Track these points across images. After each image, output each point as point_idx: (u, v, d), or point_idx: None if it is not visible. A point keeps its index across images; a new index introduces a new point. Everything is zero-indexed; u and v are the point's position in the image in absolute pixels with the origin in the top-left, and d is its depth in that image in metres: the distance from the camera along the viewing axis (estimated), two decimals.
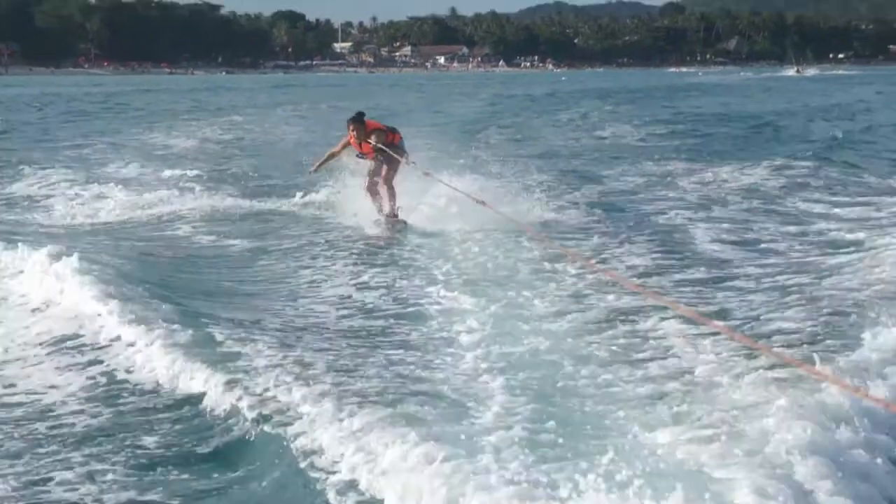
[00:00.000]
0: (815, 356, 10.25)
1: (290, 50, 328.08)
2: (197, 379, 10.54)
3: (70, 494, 8.29)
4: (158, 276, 16.15)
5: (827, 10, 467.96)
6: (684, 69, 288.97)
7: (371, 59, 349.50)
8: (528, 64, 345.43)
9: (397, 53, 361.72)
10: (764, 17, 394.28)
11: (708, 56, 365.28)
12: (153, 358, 11.26)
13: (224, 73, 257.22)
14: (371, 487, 7.97)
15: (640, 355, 11.28)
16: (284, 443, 8.96)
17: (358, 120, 20.38)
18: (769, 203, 23.16)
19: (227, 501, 8.30)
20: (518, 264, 16.31)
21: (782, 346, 11.42)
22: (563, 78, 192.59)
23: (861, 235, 18.50)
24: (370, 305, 14.38)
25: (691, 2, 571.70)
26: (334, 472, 8.26)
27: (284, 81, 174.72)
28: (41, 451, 9.16)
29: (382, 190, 20.67)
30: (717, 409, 9.31)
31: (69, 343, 12.60)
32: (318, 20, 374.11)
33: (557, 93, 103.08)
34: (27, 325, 13.58)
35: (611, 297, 13.97)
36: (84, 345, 12.43)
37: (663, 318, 12.62)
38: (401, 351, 11.82)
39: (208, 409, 9.96)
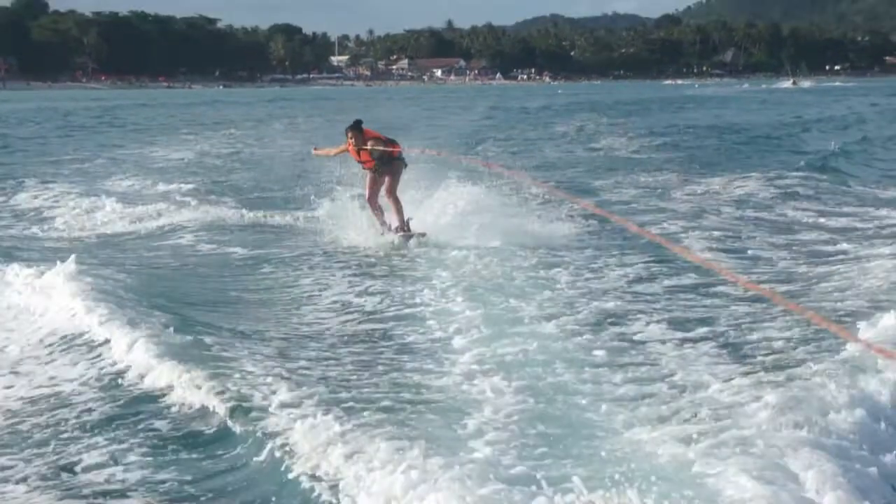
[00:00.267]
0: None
1: (286, 63, 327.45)
2: (192, 385, 10.71)
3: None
4: (157, 285, 16.47)
5: (822, 22, 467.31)
6: (680, 81, 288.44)
7: (368, 73, 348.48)
8: (525, 76, 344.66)
9: (394, 66, 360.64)
10: (760, 28, 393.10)
11: (704, 68, 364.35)
12: (151, 365, 11.42)
13: (221, 87, 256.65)
14: (359, 490, 8.12)
15: (631, 358, 11.62)
16: (268, 442, 9.21)
17: (356, 128, 20.08)
18: (761, 213, 23.42)
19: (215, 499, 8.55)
20: (514, 272, 16.62)
21: (769, 353, 11.75)
22: (560, 91, 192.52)
23: (847, 246, 18.81)
24: (367, 313, 14.74)
25: (687, 14, 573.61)
26: (322, 475, 8.47)
27: (281, 95, 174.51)
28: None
29: (389, 203, 20.21)
30: (707, 407, 9.65)
31: (66, 347, 12.91)
32: (314, 33, 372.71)
33: (553, 106, 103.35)
34: (33, 331, 13.86)
35: (602, 302, 14.35)
36: (82, 351, 12.69)
37: (650, 322, 13.05)
38: (395, 356, 12.18)
39: (201, 415, 10.18)
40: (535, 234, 20.15)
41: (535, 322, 13.23)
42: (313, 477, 8.48)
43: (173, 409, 10.39)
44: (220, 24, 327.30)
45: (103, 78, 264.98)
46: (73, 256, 15.97)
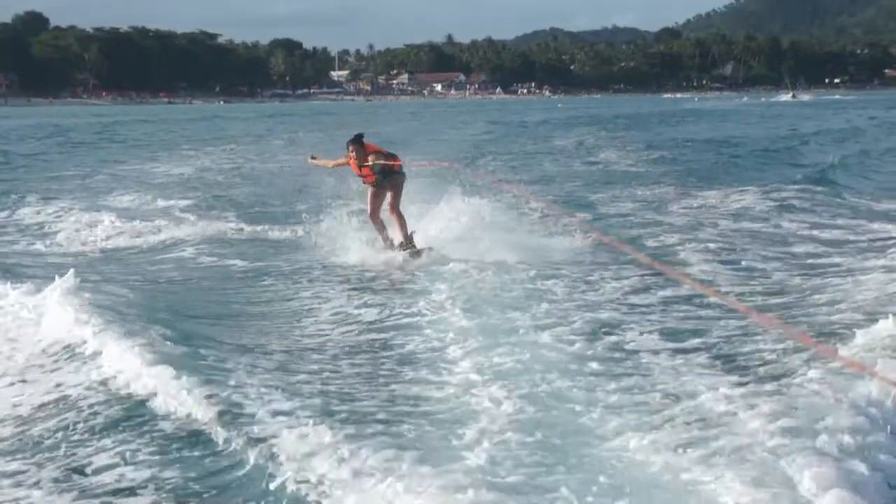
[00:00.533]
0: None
1: (287, 78, 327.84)
2: (187, 393, 10.77)
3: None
4: (156, 298, 16.63)
5: (822, 35, 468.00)
6: (680, 95, 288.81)
7: (368, 87, 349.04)
8: (525, 90, 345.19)
9: (394, 81, 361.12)
10: (759, 42, 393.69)
11: (704, 81, 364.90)
12: (147, 376, 11.47)
13: (222, 102, 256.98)
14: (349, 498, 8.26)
15: (625, 368, 11.78)
16: (258, 448, 9.32)
17: (357, 141, 19.89)
18: (757, 226, 23.52)
19: None
20: (512, 284, 16.79)
21: (762, 363, 11.93)
22: (560, 105, 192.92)
23: (841, 259, 18.98)
24: (364, 324, 14.99)
25: (687, 27, 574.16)
26: (312, 482, 8.59)
27: (281, 110, 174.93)
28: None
29: (392, 218, 20.03)
30: (700, 415, 9.84)
31: (69, 357, 13.08)
32: (315, 48, 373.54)
33: (552, 120, 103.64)
34: (35, 342, 14.01)
35: (598, 313, 14.56)
36: (83, 360, 12.83)
37: (643, 332, 13.27)
38: (392, 367, 12.41)
39: (195, 422, 10.27)
40: (533, 247, 20.24)
41: (530, 332, 13.37)
42: (303, 483, 8.59)
43: (169, 417, 10.49)
44: (220, 40, 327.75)
45: (104, 94, 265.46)
46: (71, 271, 16.05)
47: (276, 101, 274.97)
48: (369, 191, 20.26)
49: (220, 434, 9.82)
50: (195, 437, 9.91)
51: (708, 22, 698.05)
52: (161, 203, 30.95)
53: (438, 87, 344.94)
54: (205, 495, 8.78)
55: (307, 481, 8.60)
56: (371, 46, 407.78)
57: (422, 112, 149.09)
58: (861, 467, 8.28)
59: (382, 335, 14.21)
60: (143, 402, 10.93)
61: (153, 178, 41.33)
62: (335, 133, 68.44)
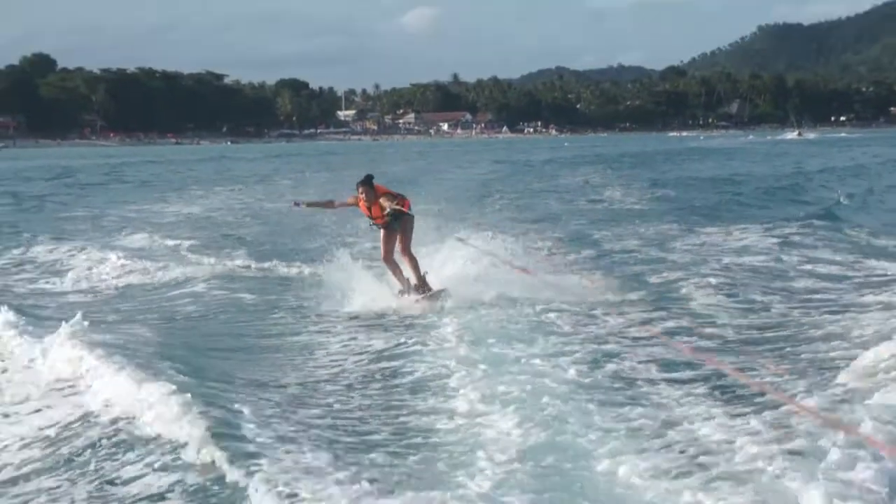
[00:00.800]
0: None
1: (294, 118, 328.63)
2: (194, 429, 10.83)
3: None
4: (165, 335, 16.90)
5: (827, 74, 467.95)
6: (685, 133, 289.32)
7: (375, 127, 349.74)
8: (532, 129, 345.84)
9: (401, 120, 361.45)
10: (765, 80, 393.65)
11: (710, 120, 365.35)
12: (156, 414, 11.56)
13: (229, 143, 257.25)
14: None
15: (626, 397, 12.09)
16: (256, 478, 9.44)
17: (367, 183, 19.68)
18: (759, 262, 23.72)
19: None
20: (518, 318, 17.15)
21: (760, 393, 12.23)
22: (566, 143, 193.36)
23: (841, 294, 19.25)
24: (371, 354, 15.55)
25: (692, 65, 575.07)
26: None
27: (288, 150, 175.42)
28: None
29: (404, 260, 19.85)
30: (699, 443, 10.18)
31: (79, 392, 13.37)
32: (321, 88, 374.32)
33: (559, 158, 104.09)
34: (48, 378, 14.29)
35: (600, 344, 14.89)
36: (84, 398, 13.07)
37: (642, 363, 13.66)
38: (398, 397, 12.88)
39: (195, 450, 10.43)
40: (539, 284, 20.55)
41: (534, 362, 13.78)
42: None
43: (171, 449, 10.69)
44: (227, 80, 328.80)
45: (112, 135, 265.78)
46: (79, 314, 16.07)
47: (282, 141, 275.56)
48: (381, 233, 20.13)
49: (228, 468, 9.93)
50: (205, 473, 10.07)
51: (713, 60, 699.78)
52: (170, 242, 31.17)
53: (445, 127, 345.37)
54: None
55: None
56: (377, 86, 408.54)
57: (428, 151, 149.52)
58: (860, 491, 8.49)
59: (391, 365, 14.70)
60: (149, 440, 11.12)
61: (162, 218, 41.65)
62: (342, 173, 68.87)
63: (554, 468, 9.69)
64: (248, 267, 25.45)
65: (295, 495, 8.91)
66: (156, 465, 10.36)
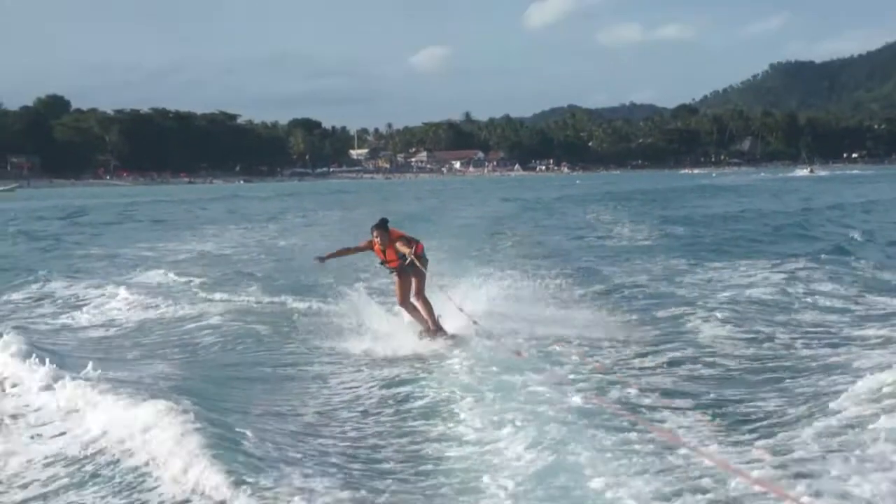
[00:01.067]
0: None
1: (306, 157, 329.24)
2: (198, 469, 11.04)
3: None
4: (183, 368, 17.42)
5: (839, 111, 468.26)
6: (697, 171, 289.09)
7: (387, 165, 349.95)
8: (544, 167, 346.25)
9: (413, 159, 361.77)
10: (777, 117, 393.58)
11: (722, 157, 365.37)
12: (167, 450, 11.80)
13: (242, 182, 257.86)
14: None
15: (629, 423, 12.43)
16: None
17: (382, 226, 19.66)
18: (767, 296, 23.91)
19: None
20: (528, 347, 17.54)
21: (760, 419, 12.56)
22: (578, 181, 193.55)
23: (849, 329, 19.52)
24: (380, 381, 16.11)
25: (704, 103, 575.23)
26: None
27: (300, 189, 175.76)
28: None
29: (418, 304, 19.81)
30: (699, 466, 10.56)
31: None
32: (333, 127, 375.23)
33: (570, 196, 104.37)
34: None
35: (606, 375, 15.25)
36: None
37: (645, 391, 14.04)
38: (407, 424, 13.37)
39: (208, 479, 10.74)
40: (550, 318, 20.91)
41: (542, 389, 14.18)
42: None
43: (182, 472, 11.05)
44: (240, 120, 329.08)
45: (125, 174, 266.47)
46: (90, 364, 16.32)
47: (295, 180, 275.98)
48: (395, 278, 20.14)
49: (239, 495, 10.23)
50: (215, 499, 10.39)
51: (725, 98, 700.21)
52: (185, 279, 31.47)
53: (457, 165, 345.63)
54: None
55: None
56: (390, 125, 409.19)
57: (441, 190, 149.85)
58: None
59: (401, 392, 15.28)
60: (160, 469, 11.45)
61: (176, 255, 41.95)
62: (354, 210, 69.26)
63: (561, 489, 10.06)
64: (262, 302, 25.78)
65: None
66: (168, 494, 10.78)
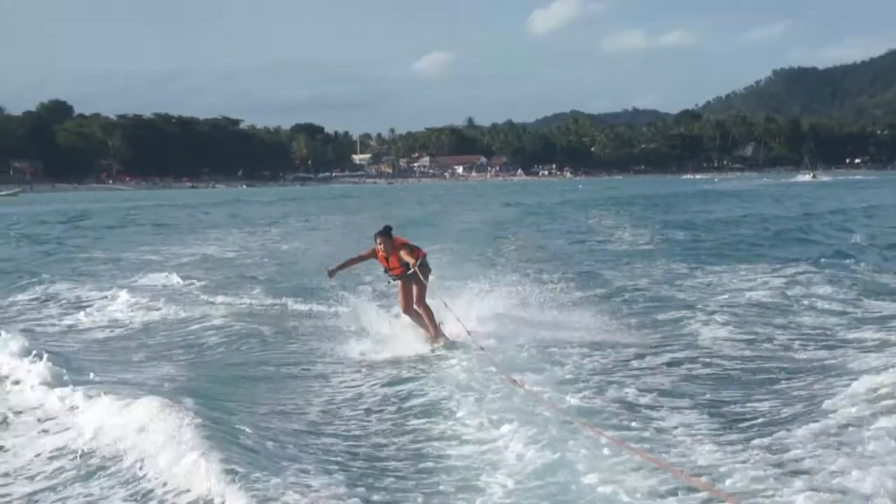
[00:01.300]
0: None
1: (309, 162, 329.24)
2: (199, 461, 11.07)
3: None
4: (186, 369, 17.61)
5: (842, 116, 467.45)
6: (700, 176, 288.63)
7: (390, 170, 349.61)
8: (546, 172, 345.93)
9: (416, 164, 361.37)
10: (779, 123, 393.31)
11: (725, 162, 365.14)
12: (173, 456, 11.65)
13: (244, 186, 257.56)
14: None
15: (628, 422, 12.64)
16: None
17: (385, 234, 19.75)
18: (767, 299, 24.07)
19: None
20: (527, 350, 17.79)
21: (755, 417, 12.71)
22: (580, 186, 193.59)
23: (847, 333, 19.65)
24: (381, 384, 16.21)
25: (707, 109, 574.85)
26: None
27: (303, 194, 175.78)
28: None
29: (419, 311, 19.79)
30: (697, 465, 10.74)
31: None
32: (336, 132, 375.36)
33: (573, 200, 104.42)
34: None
35: (606, 376, 15.41)
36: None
37: (643, 391, 14.18)
38: (406, 426, 13.50)
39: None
40: (550, 322, 21.04)
41: (542, 390, 14.25)
42: None
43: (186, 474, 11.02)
44: (243, 125, 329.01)
45: (128, 179, 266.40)
46: (91, 375, 16.34)
47: (298, 185, 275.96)
48: (398, 284, 20.11)
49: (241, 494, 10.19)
50: (219, 498, 10.35)
51: (728, 104, 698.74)
52: (188, 281, 31.59)
53: (460, 170, 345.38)
54: None
55: None
56: (392, 130, 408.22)
57: (443, 195, 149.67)
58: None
59: (402, 391, 15.50)
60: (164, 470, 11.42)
61: (179, 259, 42.01)
62: (356, 215, 69.33)
63: (560, 486, 10.23)
64: (264, 304, 25.92)
65: None
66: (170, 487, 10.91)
